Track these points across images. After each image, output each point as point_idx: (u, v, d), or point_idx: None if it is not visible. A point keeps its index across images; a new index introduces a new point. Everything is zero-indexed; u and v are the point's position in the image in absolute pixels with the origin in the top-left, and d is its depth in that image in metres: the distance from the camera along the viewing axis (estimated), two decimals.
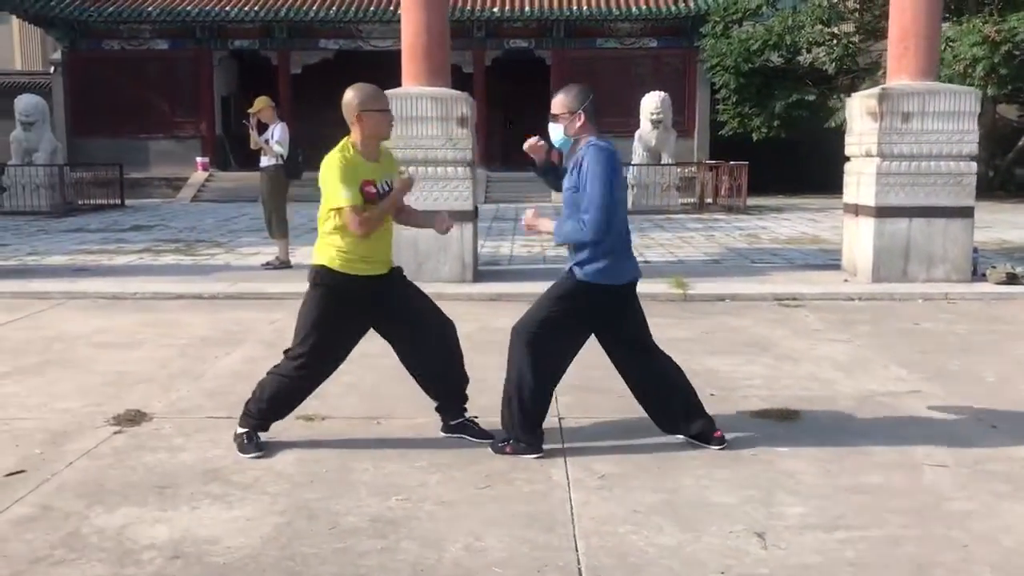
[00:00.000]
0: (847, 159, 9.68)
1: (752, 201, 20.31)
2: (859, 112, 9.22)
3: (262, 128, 10.18)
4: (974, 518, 3.47)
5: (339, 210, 4.03)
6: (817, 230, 15.62)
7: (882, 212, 8.83)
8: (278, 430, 4.40)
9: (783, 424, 4.67)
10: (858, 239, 9.27)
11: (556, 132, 4.19)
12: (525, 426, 4.18)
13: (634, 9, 25.46)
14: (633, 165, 19.84)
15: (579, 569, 3.06)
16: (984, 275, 8.98)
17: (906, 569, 3.05)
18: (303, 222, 14.56)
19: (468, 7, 25.32)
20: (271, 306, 8.07)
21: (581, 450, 4.24)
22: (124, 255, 11.92)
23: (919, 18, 8.83)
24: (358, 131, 4.11)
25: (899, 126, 8.77)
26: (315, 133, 16.60)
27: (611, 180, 3.98)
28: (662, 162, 20.03)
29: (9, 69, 34.83)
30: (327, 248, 4.14)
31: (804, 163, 25.43)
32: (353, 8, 25.60)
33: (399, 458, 4.14)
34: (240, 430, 4.27)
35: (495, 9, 25.58)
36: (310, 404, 4.71)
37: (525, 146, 4.36)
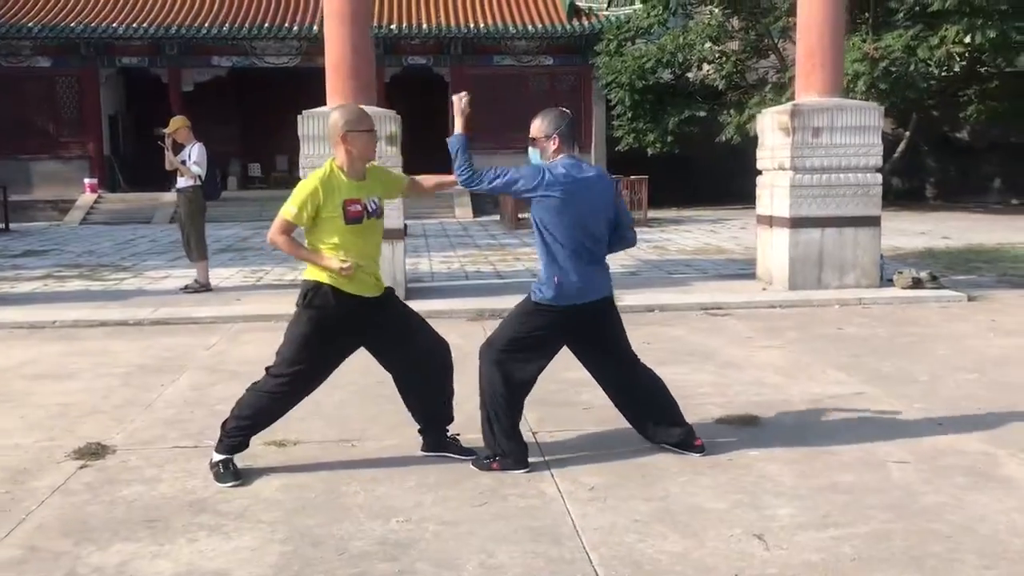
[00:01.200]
0: (759, 172, 10.06)
1: (650, 214, 20.83)
2: (771, 127, 9.62)
3: (177, 148, 9.93)
4: (948, 510, 3.69)
5: (278, 219, 4.05)
6: (718, 241, 16.14)
7: (796, 223, 9.23)
8: (250, 457, 4.32)
9: (746, 429, 4.85)
10: (772, 249, 9.66)
11: (534, 155, 4.32)
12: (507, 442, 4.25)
13: (530, 27, 25.82)
14: None
15: None
16: (891, 280, 9.47)
17: (902, 561, 3.23)
18: (228, 243, 14.21)
19: None
20: (202, 331, 7.87)
21: (563, 463, 4.31)
22: (25, 282, 11.41)
23: (825, 38, 9.29)
24: (343, 151, 4.12)
25: (810, 140, 9.20)
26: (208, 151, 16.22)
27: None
28: None
29: None
30: (315, 266, 4.12)
31: (696, 177, 26.26)
32: (247, 25, 25.12)
33: (386, 480, 4.13)
34: (216, 458, 4.18)
35: (392, 26, 25.54)
36: (278, 428, 4.66)
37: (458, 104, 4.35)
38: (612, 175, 21.13)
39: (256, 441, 4.40)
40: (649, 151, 24.52)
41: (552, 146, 4.26)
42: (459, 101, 4.36)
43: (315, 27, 24.99)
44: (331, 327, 4.10)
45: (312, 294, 4.09)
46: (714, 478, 4.10)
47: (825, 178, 9.25)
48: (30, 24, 24.36)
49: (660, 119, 24.15)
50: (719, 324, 7.95)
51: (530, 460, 4.31)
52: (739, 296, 9.05)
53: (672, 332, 7.59)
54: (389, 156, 8.90)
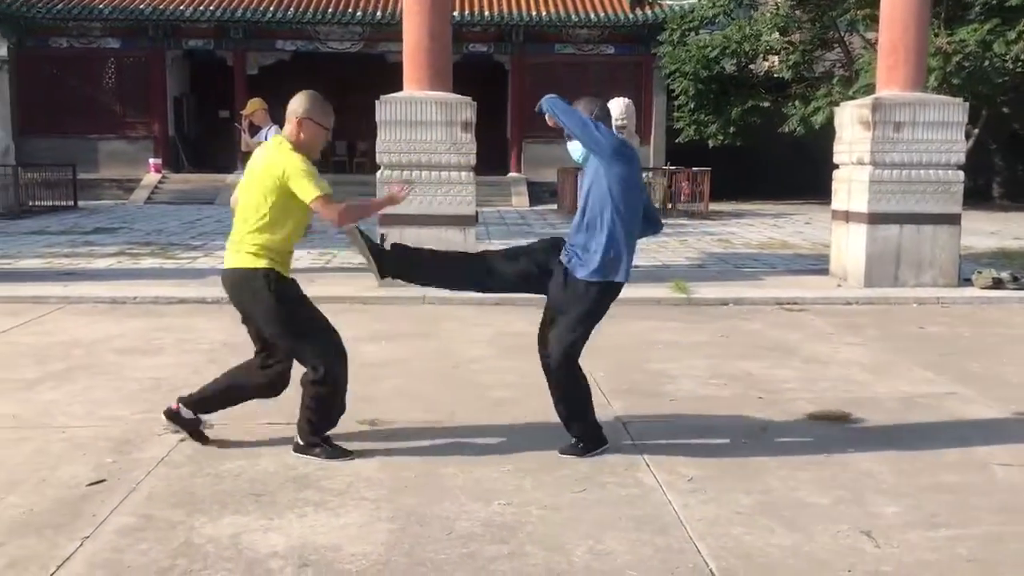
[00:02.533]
0: (835, 167, 9.92)
1: (711, 207, 20.65)
2: (850, 121, 9.47)
3: (254, 130, 10.04)
4: None
5: (322, 198, 3.97)
6: (783, 235, 15.93)
7: (874, 218, 9.09)
8: (346, 436, 4.37)
9: (839, 426, 4.79)
10: (848, 245, 9.52)
11: (575, 150, 4.25)
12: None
13: (592, 16, 25.67)
14: None
15: (710, 570, 3.11)
16: (969, 280, 9.29)
17: (1021, 564, 3.17)
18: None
19: None
20: None
21: (657, 452, 4.29)
22: (100, 259, 11.63)
23: (908, 31, 9.11)
24: (295, 134, 4.08)
25: (891, 135, 9.04)
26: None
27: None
28: None
29: None
30: (260, 250, 4.05)
31: (754, 170, 25.94)
32: (311, 9, 25.32)
33: (482, 463, 4.14)
34: (314, 453, 4.20)
35: (455, 13, 25.52)
36: (368, 409, 4.73)
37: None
38: (673, 166, 20.90)
39: (350, 420, 4.45)
40: (710, 143, 24.29)
41: None
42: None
43: (378, 13, 25.13)
44: (298, 292, 4.17)
45: (268, 279, 4.05)
46: (814, 473, 4.05)
47: (905, 174, 9.08)
48: (101, 6, 24.79)
49: (723, 110, 23.91)
50: (796, 319, 7.86)
51: (622, 448, 4.32)
52: (814, 291, 8.94)
53: (749, 326, 7.52)
54: (464, 143, 8.94)
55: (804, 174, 26.70)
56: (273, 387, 4.32)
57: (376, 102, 9.01)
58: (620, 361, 6.14)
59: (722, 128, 23.91)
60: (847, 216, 9.52)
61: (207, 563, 3.12)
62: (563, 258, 4.24)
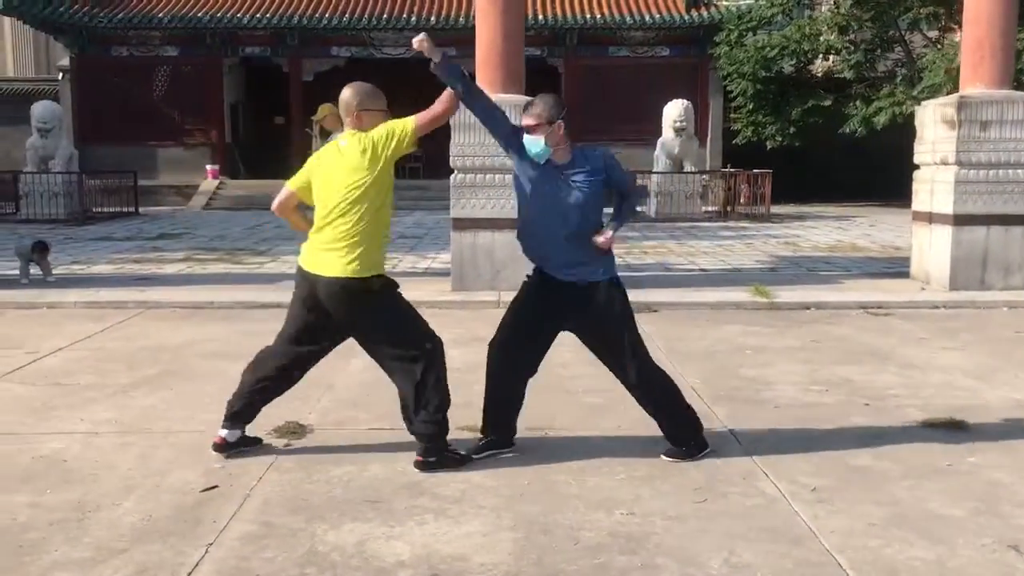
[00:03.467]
0: (916, 167, 9.67)
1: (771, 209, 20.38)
2: (933, 120, 9.23)
3: (325, 135, 10.05)
4: None
5: (414, 117, 4.04)
6: (850, 238, 15.62)
7: (960, 220, 8.84)
8: (452, 441, 4.30)
9: (954, 434, 4.62)
10: (931, 247, 9.28)
11: (536, 143, 4.05)
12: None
13: (647, 18, 25.51)
14: (656, 173, 19.87)
15: None
16: None
17: None
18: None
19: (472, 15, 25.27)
20: None
21: (771, 461, 4.16)
22: (169, 264, 11.74)
23: (995, 27, 8.85)
24: (358, 126, 4.06)
25: (977, 134, 8.79)
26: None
27: None
28: (684, 170, 20.07)
29: (13, 76, 34.40)
30: (375, 252, 4.05)
31: (812, 172, 25.55)
32: (365, 16, 25.48)
33: (594, 471, 4.05)
34: (430, 459, 4.12)
35: None
36: (468, 415, 4.64)
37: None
38: (731, 168, 20.64)
39: (452, 426, 4.38)
40: (768, 144, 23.98)
41: (560, 132, 4.05)
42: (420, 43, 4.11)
43: (432, 18, 25.20)
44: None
45: (383, 281, 4.10)
46: (940, 484, 3.89)
47: (992, 174, 8.83)
48: (160, 14, 25.17)
49: (782, 110, 23.60)
50: (884, 324, 7.65)
51: (735, 457, 4.21)
52: (898, 295, 8.72)
53: (838, 331, 7.34)
54: None
55: (859, 176, 26.28)
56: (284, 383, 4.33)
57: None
58: (713, 367, 6.02)
59: (781, 129, 23.60)
60: (930, 218, 9.27)
61: (336, 572, 3.06)
62: (570, 278, 4.13)
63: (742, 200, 20.38)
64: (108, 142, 25.34)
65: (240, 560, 3.15)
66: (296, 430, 4.62)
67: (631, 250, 13.49)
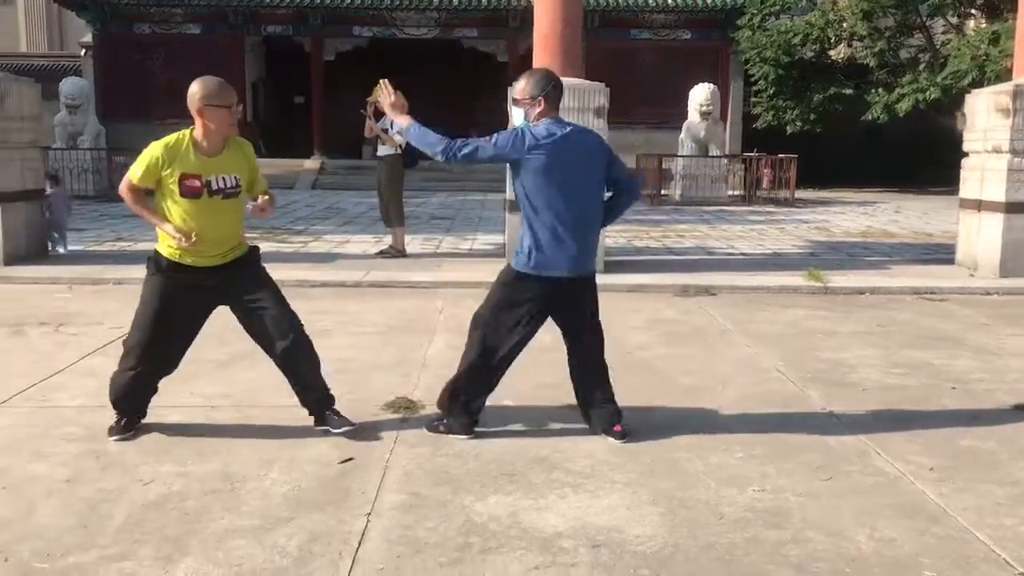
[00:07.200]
0: (965, 155, 9.76)
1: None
2: (985, 108, 9.30)
3: (378, 116, 10.13)
4: None
5: (126, 176, 4.08)
6: (880, 224, 15.70)
7: (1012, 208, 8.94)
8: (560, 417, 4.42)
9: None
10: (980, 234, 9.38)
11: (518, 116, 4.19)
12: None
13: (669, 1, 25.48)
14: (681, 156, 19.95)
15: (1004, 560, 3.11)
16: None
17: None
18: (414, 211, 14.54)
19: None
20: (424, 294, 8.09)
21: (879, 441, 4.28)
22: None
23: None
24: (200, 124, 4.03)
25: None
26: (347, 120, 16.53)
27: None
28: (709, 154, 20.14)
29: (27, 52, 34.31)
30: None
31: (831, 157, 25.59)
32: None
33: (711, 448, 4.16)
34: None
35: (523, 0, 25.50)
36: (569, 394, 4.71)
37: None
38: (753, 152, 20.61)
39: (555, 403, 4.49)
40: (788, 129, 24.01)
41: (537, 109, 4.12)
42: (386, 90, 4.45)
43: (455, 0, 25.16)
44: (171, 295, 4.14)
45: (153, 263, 4.14)
46: None
47: None
48: None
49: (803, 96, 23.63)
50: (942, 309, 7.77)
51: (843, 437, 4.33)
52: (950, 281, 8.83)
53: (900, 316, 7.45)
54: (597, 128, 8.90)
55: (877, 162, 26.33)
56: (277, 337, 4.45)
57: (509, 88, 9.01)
58: (792, 350, 6.13)
59: (802, 114, 23.63)
60: (979, 205, 9.37)
61: (499, 541, 3.19)
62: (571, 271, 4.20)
63: (764, 184, 20.46)
64: (129, 119, 25.29)
65: (405, 529, 3.27)
66: (408, 405, 4.75)
67: (667, 233, 13.59)
